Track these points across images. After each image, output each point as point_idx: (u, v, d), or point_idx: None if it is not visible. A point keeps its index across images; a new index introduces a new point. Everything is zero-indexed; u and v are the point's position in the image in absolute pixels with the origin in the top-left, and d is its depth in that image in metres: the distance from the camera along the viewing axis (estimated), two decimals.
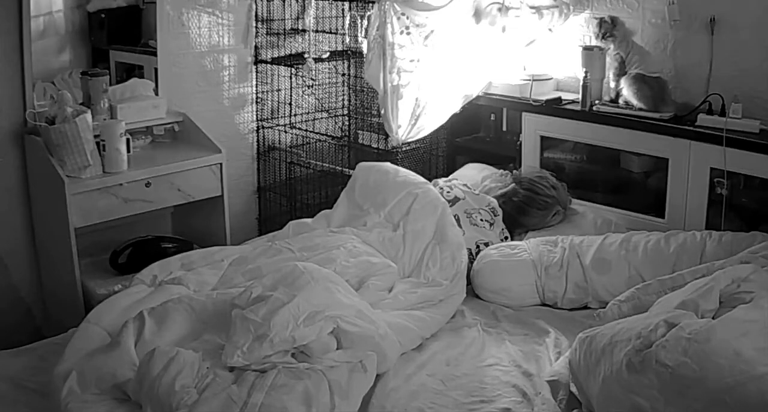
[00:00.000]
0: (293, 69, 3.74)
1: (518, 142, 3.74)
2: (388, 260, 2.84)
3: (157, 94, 3.38)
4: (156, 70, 3.39)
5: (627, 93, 3.33)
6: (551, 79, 3.73)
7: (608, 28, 3.40)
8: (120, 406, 2.07)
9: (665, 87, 3.29)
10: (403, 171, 3.21)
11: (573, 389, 2.24)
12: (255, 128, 3.86)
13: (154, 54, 3.38)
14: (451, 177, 3.56)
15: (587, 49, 3.50)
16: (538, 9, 3.55)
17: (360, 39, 3.40)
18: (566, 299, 2.85)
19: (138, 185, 3.05)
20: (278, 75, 3.80)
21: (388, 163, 3.25)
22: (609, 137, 3.42)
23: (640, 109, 3.28)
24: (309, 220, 3.16)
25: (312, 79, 3.79)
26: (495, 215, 3.24)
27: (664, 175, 3.28)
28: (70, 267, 2.95)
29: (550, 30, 3.63)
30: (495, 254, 2.97)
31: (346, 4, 3.50)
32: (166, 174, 3.13)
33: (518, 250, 2.97)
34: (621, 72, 3.38)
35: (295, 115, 3.86)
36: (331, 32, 3.69)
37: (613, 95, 3.42)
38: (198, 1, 3.50)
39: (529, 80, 3.62)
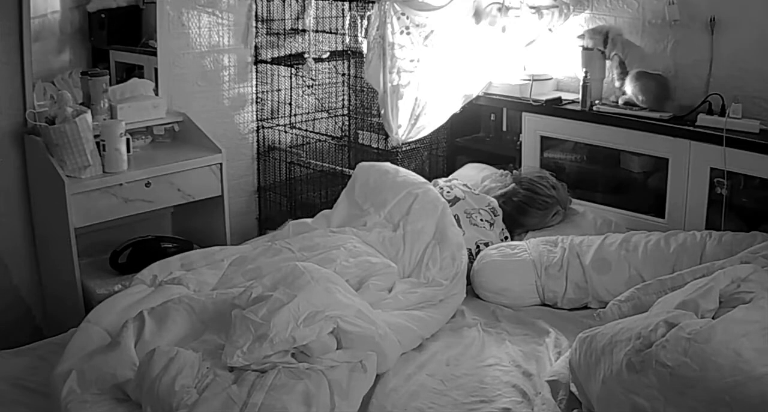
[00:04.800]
0: (293, 69, 3.74)
1: (518, 142, 3.74)
2: (388, 260, 2.84)
3: (157, 94, 3.38)
4: (156, 70, 3.39)
5: (631, 90, 3.32)
6: (551, 79, 3.73)
7: (603, 37, 3.43)
8: (120, 406, 2.07)
9: (668, 84, 3.29)
10: (403, 171, 3.21)
11: (573, 389, 2.24)
12: (255, 128, 3.86)
13: (154, 54, 3.38)
14: (451, 177, 3.56)
15: (587, 49, 3.50)
16: (538, 9, 3.54)
17: (360, 39, 3.40)
18: (566, 299, 2.85)
19: (138, 185, 3.05)
20: (278, 75, 3.80)
21: (388, 163, 3.25)
22: (609, 137, 3.41)
23: (643, 108, 3.28)
24: (309, 220, 3.16)
25: (312, 79, 3.79)
26: (495, 215, 3.24)
27: (664, 175, 3.28)
28: (70, 267, 2.95)
29: (550, 30, 3.63)
30: (495, 254, 2.97)
31: (346, 4, 3.49)
32: (166, 174, 3.13)
33: (518, 250, 2.97)
34: (623, 71, 3.38)
35: (295, 115, 3.86)
36: (331, 32, 3.69)
37: (618, 94, 3.42)
38: (198, 1, 3.50)
39: (529, 80, 3.62)
